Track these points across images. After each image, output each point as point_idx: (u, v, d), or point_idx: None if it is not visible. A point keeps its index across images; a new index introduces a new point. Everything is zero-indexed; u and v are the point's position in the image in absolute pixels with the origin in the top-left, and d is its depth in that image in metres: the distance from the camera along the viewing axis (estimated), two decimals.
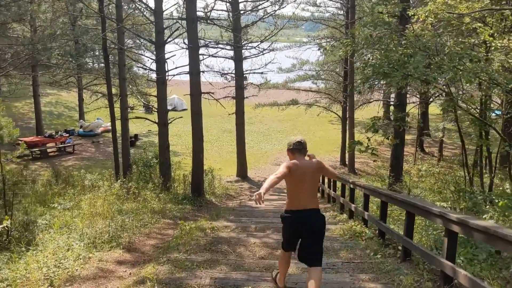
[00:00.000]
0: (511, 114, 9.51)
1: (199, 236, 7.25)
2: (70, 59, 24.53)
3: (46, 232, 7.06)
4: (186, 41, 12.93)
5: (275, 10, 19.47)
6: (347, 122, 21.04)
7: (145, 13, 16.30)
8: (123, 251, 6.32)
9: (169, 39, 14.17)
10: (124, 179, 12.40)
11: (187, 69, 13.07)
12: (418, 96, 22.01)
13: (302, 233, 4.17)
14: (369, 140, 7.34)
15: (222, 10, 19.33)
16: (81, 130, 26.01)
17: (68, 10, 22.82)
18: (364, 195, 7.79)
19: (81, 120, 26.85)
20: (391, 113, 25.10)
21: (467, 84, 6.86)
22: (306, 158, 4.36)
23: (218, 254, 6.23)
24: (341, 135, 22.06)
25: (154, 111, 13.91)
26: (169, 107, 27.11)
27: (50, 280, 4.94)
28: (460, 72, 6.19)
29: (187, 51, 12.94)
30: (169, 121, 13.36)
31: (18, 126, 28.88)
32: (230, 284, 4.80)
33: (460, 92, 8.43)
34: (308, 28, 35.25)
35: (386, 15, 10.65)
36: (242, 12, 18.45)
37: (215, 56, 16.95)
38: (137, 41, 24.20)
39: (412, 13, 8.65)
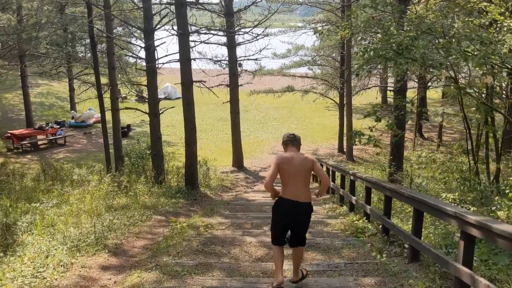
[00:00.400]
0: None
1: (192, 236, 6.81)
2: (59, 48, 23.78)
3: (28, 233, 6.60)
4: (176, 27, 12.29)
5: None
6: (345, 109, 20.54)
7: None
8: (109, 254, 5.86)
9: (158, 26, 13.57)
10: (116, 173, 11.93)
11: (178, 56, 12.48)
12: (416, 80, 21.51)
13: (287, 221, 4.50)
14: (371, 130, 6.82)
15: None
16: (72, 121, 25.38)
17: None
18: (366, 188, 7.36)
19: (73, 111, 26.15)
20: (389, 100, 24.58)
21: (477, 68, 6.35)
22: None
23: (212, 256, 5.80)
24: (339, 121, 21.59)
25: (146, 100, 13.36)
26: (162, 96, 26.57)
27: None
28: (470, 56, 5.71)
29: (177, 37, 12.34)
30: (160, 111, 12.82)
31: (8, 118, 28.10)
32: None
33: (463, 76, 7.95)
34: (303, 12, 34.59)
35: None
36: None
37: (207, 43, 16.28)
38: (127, 29, 23.41)
39: None
